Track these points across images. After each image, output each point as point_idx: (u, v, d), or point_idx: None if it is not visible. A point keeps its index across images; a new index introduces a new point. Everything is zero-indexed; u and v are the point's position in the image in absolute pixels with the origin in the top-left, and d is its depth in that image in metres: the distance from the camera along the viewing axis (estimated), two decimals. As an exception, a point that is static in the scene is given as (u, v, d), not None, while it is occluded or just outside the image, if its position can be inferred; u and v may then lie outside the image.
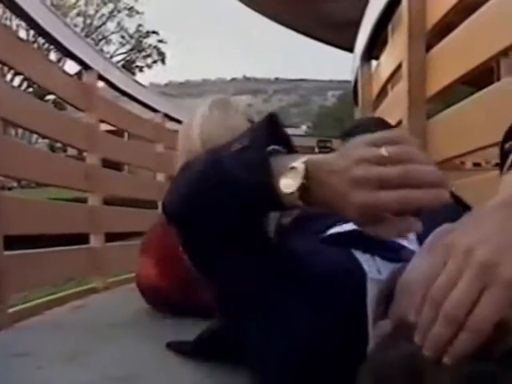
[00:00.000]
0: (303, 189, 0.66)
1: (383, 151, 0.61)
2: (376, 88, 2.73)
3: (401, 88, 1.79)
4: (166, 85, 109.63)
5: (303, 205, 0.68)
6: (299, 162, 0.67)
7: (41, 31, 2.34)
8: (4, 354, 1.41)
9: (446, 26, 1.58)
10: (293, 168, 0.67)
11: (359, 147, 0.63)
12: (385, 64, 2.44)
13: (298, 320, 0.80)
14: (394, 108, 1.94)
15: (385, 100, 2.45)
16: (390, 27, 2.59)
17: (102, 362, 1.28)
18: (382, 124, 1.46)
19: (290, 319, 0.80)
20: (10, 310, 1.89)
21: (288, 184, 0.68)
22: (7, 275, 1.83)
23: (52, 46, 2.63)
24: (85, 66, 2.70)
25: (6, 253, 1.87)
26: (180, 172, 0.86)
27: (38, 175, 2.29)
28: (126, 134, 4.67)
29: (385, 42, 2.45)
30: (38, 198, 2.67)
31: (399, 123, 1.77)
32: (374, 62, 2.97)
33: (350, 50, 3.47)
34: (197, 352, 1.16)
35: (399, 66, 1.82)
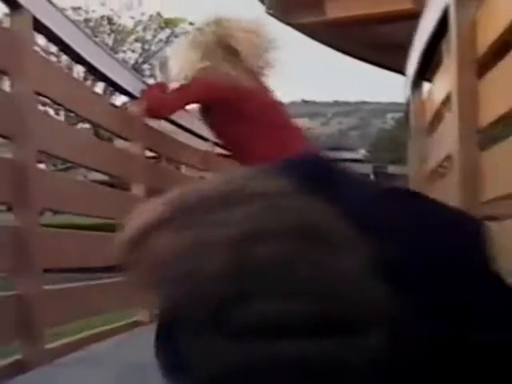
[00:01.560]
0: None
1: None
2: (429, 112, 2.60)
3: (450, 118, 1.68)
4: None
5: None
6: None
7: (80, 59, 2.36)
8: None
9: (499, 50, 1.47)
10: None
11: None
12: (437, 89, 2.32)
13: None
14: (444, 139, 1.82)
15: (438, 128, 2.33)
16: (444, 47, 2.47)
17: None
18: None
19: None
20: (47, 346, 1.85)
21: None
22: (45, 310, 1.81)
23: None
24: (130, 95, 2.70)
25: (46, 287, 1.86)
26: None
27: (80, 207, 2.29)
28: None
29: (439, 63, 2.34)
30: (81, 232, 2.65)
31: (448, 157, 1.66)
32: (427, 84, 2.86)
33: (403, 72, 3.37)
34: None
35: (450, 95, 1.70)
